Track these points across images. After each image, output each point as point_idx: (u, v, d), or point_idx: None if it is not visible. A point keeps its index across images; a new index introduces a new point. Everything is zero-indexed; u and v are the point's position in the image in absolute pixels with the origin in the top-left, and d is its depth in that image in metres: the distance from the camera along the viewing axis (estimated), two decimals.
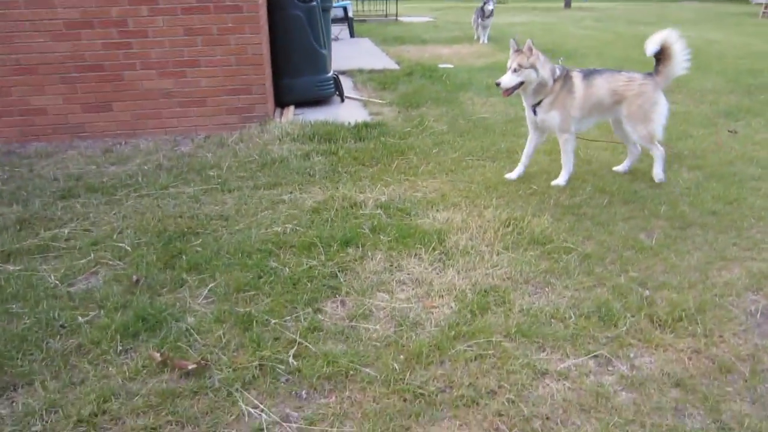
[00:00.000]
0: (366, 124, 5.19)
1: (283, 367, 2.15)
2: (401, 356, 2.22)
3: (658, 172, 3.99)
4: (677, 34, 3.76)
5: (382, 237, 3.13)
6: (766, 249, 3.08)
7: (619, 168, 4.20)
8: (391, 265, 2.89)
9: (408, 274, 2.81)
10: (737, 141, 4.93)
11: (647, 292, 2.66)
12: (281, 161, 4.32)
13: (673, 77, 3.90)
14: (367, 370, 2.14)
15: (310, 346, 2.26)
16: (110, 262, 2.89)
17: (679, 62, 3.82)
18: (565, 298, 2.62)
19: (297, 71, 5.79)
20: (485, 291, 2.65)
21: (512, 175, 4.04)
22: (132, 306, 2.48)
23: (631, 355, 2.27)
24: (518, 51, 3.69)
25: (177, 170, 4.17)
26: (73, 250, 3.03)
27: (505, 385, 2.08)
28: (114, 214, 3.46)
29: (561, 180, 3.94)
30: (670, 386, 2.10)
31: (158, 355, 2.15)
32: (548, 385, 2.10)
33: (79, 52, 4.76)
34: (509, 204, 3.56)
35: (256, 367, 2.14)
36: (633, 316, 2.47)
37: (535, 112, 3.88)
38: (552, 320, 2.46)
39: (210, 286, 2.67)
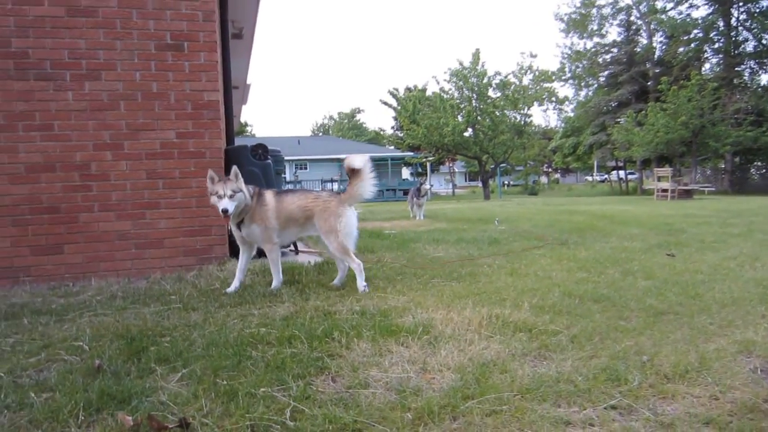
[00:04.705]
0: (327, 262, 5.20)
1: (278, 427, 1.86)
2: (409, 415, 1.99)
3: (360, 283, 4.08)
4: (368, 160, 4.18)
5: (364, 331, 2.97)
6: (741, 326, 3.15)
7: (335, 282, 4.31)
8: (380, 350, 2.71)
9: (399, 356, 2.63)
10: (677, 262, 5.28)
11: (645, 357, 2.60)
12: (245, 288, 4.17)
13: (359, 196, 4.21)
14: (376, 425, 1.89)
15: (307, 410, 2.00)
16: (65, 358, 2.55)
17: (367, 184, 4.18)
18: (566, 366, 2.51)
19: None
20: (484, 364, 2.51)
21: (230, 289, 4.10)
22: (94, 388, 2.14)
23: (650, 404, 2.15)
24: (227, 179, 3.99)
25: (134, 297, 3.91)
26: (20, 353, 2.67)
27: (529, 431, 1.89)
28: (66, 328, 3.13)
29: (273, 286, 4.14)
30: (700, 424, 1.98)
31: (130, 419, 1.83)
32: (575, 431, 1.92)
33: (36, 195, 4.70)
34: (485, 305, 3.53)
35: (247, 427, 1.84)
36: (640, 374, 2.39)
37: (240, 229, 4.17)
38: (559, 383, 2.33)
39: (183, 371, 2.38)
